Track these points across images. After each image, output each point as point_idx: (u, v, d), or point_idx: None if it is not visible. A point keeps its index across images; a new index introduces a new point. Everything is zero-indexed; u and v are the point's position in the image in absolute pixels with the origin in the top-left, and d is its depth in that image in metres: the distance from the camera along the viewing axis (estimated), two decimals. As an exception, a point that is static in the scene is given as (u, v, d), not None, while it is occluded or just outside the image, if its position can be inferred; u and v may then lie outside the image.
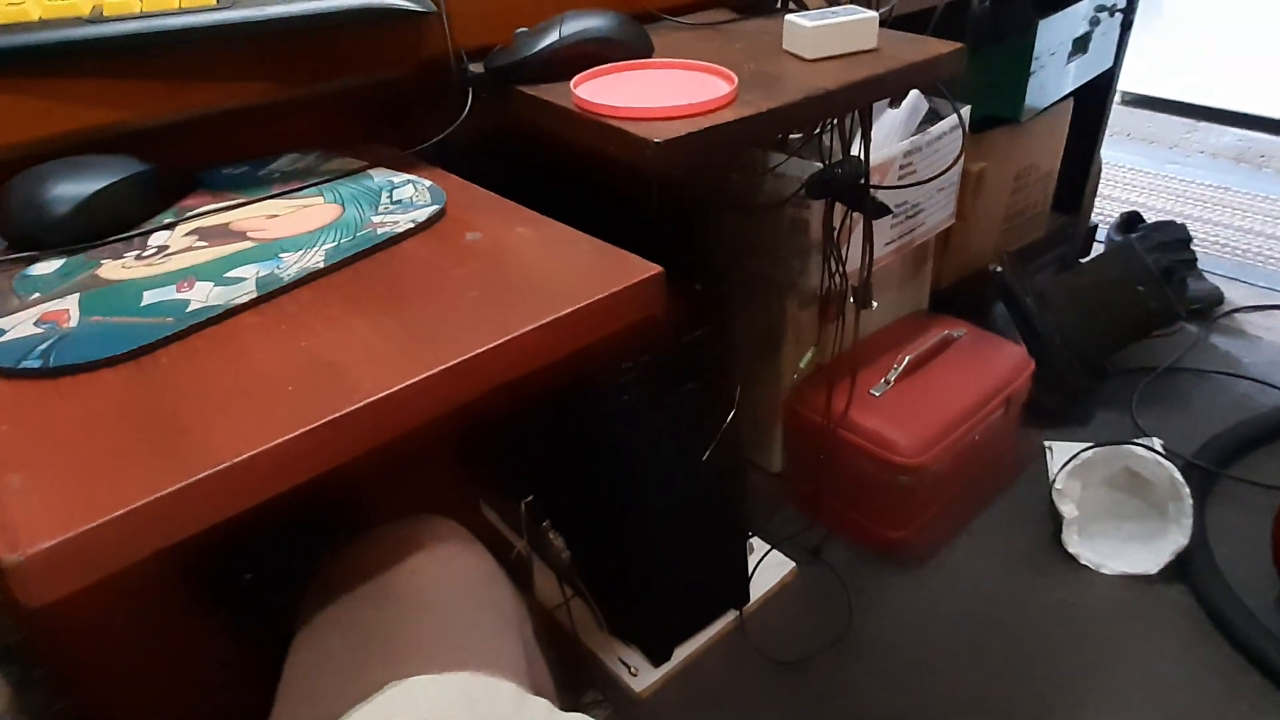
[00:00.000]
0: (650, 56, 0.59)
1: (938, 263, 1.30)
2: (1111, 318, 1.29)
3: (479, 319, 0.37)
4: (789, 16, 0.59)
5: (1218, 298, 1.53)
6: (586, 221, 0.44)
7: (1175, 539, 1.02)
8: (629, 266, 0.40)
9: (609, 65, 0.56)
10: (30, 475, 0.29)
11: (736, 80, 0.53)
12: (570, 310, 0.37)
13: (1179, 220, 1.48)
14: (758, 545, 1.09)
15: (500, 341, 0.35)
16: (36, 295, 0.39)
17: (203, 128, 0.51)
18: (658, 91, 0.53)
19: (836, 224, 0.91)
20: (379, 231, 0.44)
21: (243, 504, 0.30)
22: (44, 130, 0.45)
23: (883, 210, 0.86)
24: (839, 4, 0.65)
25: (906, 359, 1.12)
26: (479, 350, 0.34)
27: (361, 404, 0.32)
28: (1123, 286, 1.27)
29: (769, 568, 1.07)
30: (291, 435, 0.30)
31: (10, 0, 0.44)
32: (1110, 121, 1.52)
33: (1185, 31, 2.12)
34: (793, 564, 1.08)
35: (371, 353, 0.35)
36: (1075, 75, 1.31)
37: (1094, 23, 1.30)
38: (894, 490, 1.06)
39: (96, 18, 0.45)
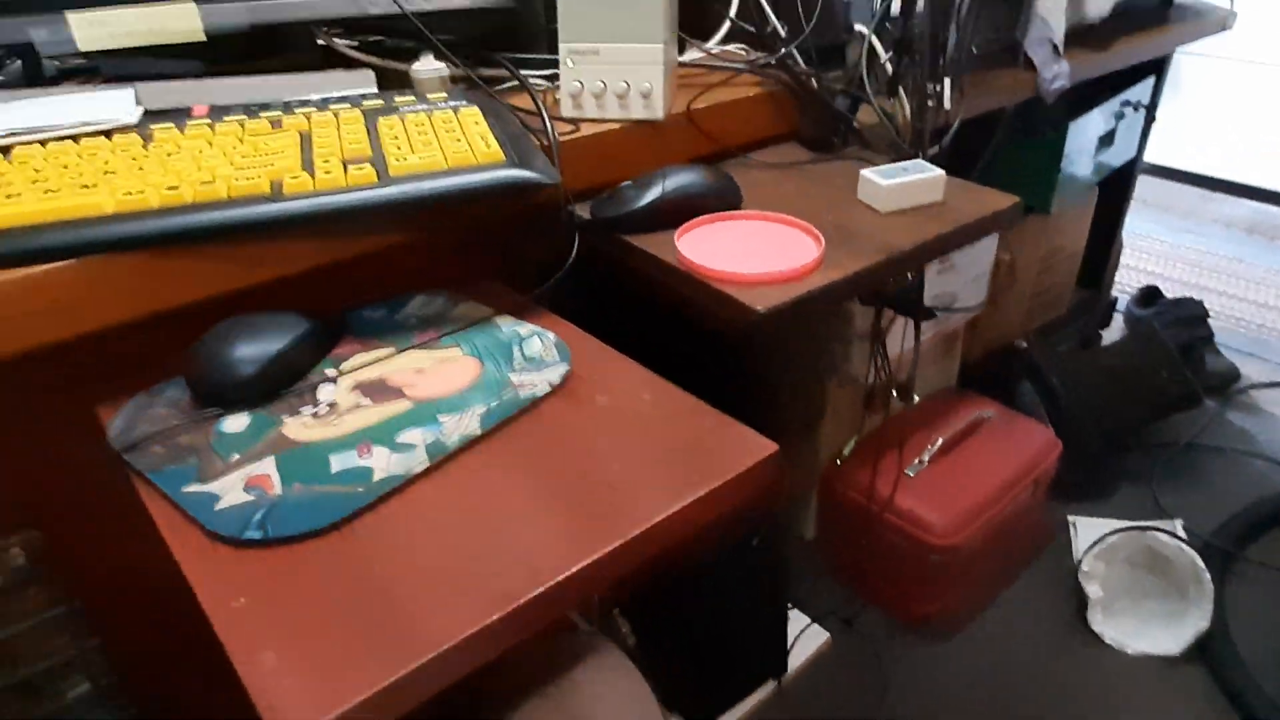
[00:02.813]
0: (740, 205, 0.65)
1: (966, 341, 1.36)
2: (1134, 399, 1.34)
3: (628, 497, 0.42)
4: (864, 172, 0.65)
5: (1234, 374, 1.59)
6: (677, 352, 0.49)
7: (1196, 622, 1.07)
8: (749, 444, 0.46)
9: (705, 217, 0.62)
10: (278, 654, 0.35)
11: (823, 242, 0.59)
12: (705, 492, 0.42)
13: (1196, 294, 1.54)
14: (796, 616, 1.14)
15: (652, 524, 0.41)
16: (236, 457, 0.45)
17: (343, 270, 0.57)
18: (753, 248, 0.59)
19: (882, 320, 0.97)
20: (521, 395, 0.49)
21: (446, 682, 0.35)
22: (223, 288, 0.52)
23: (930, 315, 0.91)
24: (905, 158, 0.71)
25: (940, 440, 1.17)
26: (634, 534, 0.40)
27: (545, 587, 0.37)
28: (1146, 371, 1.33)
29: (805, 637, 1.12)
30: (491, 620, 0.36)
31: (204, 179, 0.51)
32: (1128, 191, 1.58)
33: (1200, 105, 2.19)
34: (827, 634, 1.13)
35: (542, 531, 0.41)
36: (1101, 167, 1.38)
37: (1119, 117, 1.37)
38: (926, 567, 1.11)
39: (276, 195, 0.51)
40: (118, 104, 0.60)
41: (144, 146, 0.55)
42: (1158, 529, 1.13)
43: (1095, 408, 1.32)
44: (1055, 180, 1.26)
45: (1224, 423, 1.50)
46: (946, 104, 0.74)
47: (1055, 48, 1.05)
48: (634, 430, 0.47)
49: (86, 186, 0.49)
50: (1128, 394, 1.34)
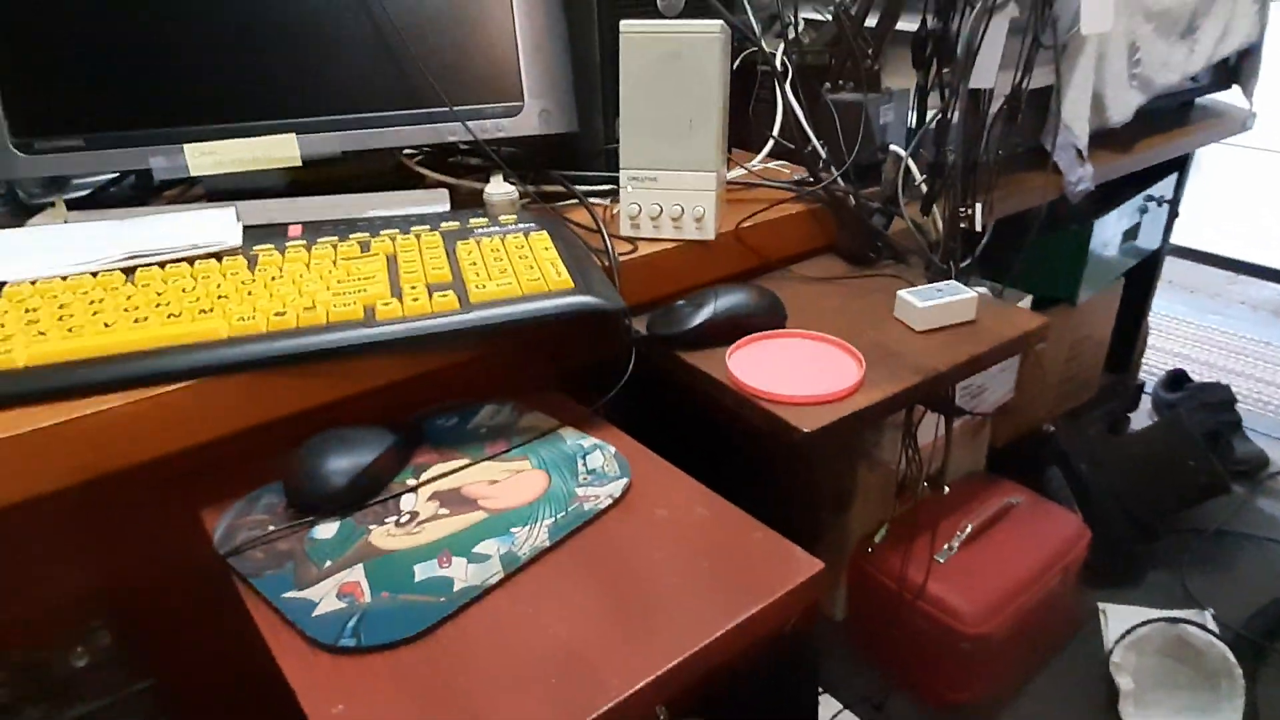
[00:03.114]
0: (785, 323, 0.70)
1: (995, 425, 1.39)
2: (1163, 487, 1.36)
3: (685, 613, 0.46)
4: (900, 293, 0.70)
5: (1264, 460, 1.60)
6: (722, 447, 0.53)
7: (1228, 716, 1.08)
8: (797, 562, 0.50)
9: (754, 335, 0.67)
10: (381, 759, 0.39)
11: (864, 363, 0.63)
12: (756, 610, 0.46)
13: (1223, 377, 1.56)
14: (826, 701, 1.16)
15: (708, 641, 0.45)
16: (329, 564, 0.50)
17: (420, 378, 0.62)
18: (799, 367, 0.64)
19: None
20: (585, 507, 0.54)
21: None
22: (317, 401, 0.57)
23: (960, 413, 0.95)
24: (939, 273, 0.76)
25: (969, 526, 1.20)
26: (694, 649, 0.44)
27: (613, 703, 0.41)
28: (1173, 459, 1.35)
29: (838, 723, 1.14)
30: (569, 732, 0.40)
31: (306, 305, 0.56)
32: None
33: (1225, 189, 2.23)
34: (857, 719, 1.14)
35: (608, 644, 0.45)
36: (1126, 259, 1.42)
37: (1143, 211, 1.41)
38: (957, 654, 1.12)
39: (370, 320, 0.56)
40: (222, 225, 0.67)
41: (250, 270, 0.61)
42: (1188, 621, 1.14)
43: (1123, 495, 1.34)
44: (1081, 273, 1.30)
45: (1254, 510, 1.51)
46: (978, 225, 0.79)
47: (1079, 152, 1.10)
48: (689, 544, 0.52)
49: (204, 311, 0.55)
50: (1155, 481, 1.36)
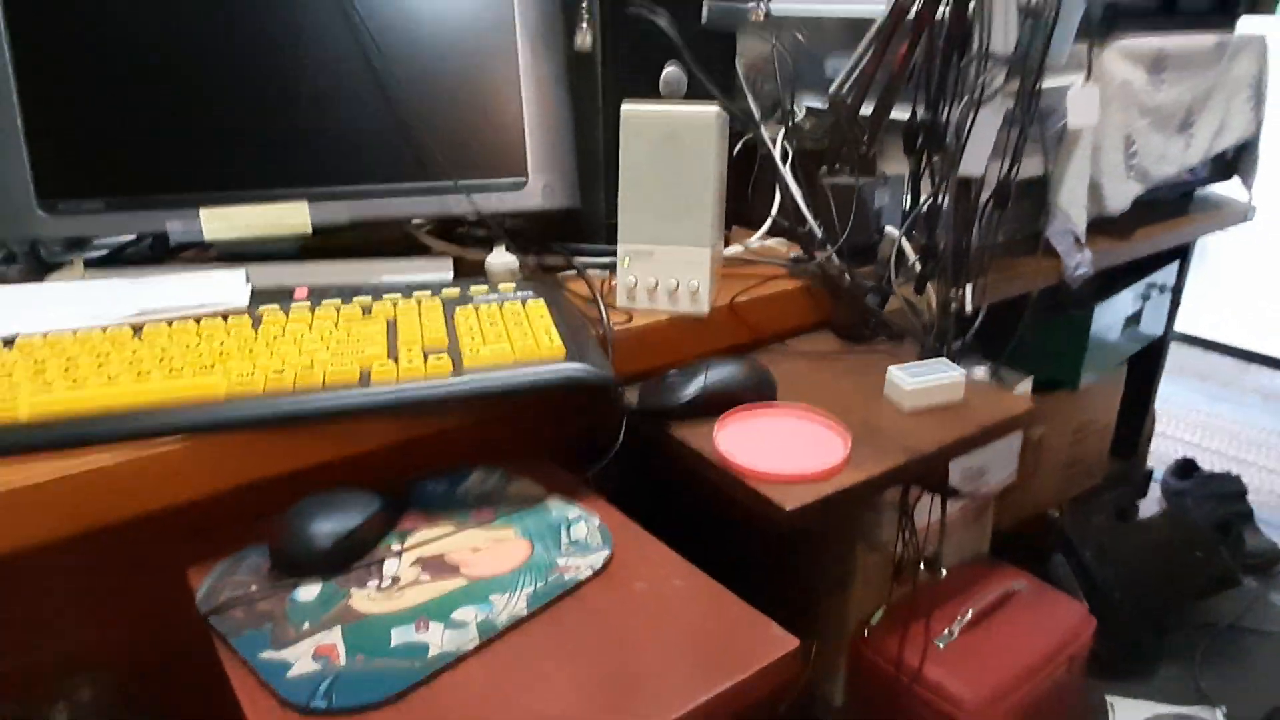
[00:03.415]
0: (775, 397, 0.70)
1: (998, 508, 1.38)
2: (1170, 578, 1.33)
3: (659, 687, 0.46)
4: (890, 371, 0.71)
5: (1276, 554, 1.57)
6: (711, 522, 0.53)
7: (1240, 823, 1.03)
8: (772, 638, 0.50)
9: (743, 409, 0.68)
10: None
11: (850, 441, 0.64)
12: (729, 686, 0.46)
13: (1234, 467, 1.54)
14: (822, 789, 1.12)
15: (683, 714, 0.44)
16: (307, 625, 0.50)
17: (410, 442, 0.63)
18: (785, 443, 0.65)
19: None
20: (565, 578, 0.54)
21: None
22: (309, 462, 0.58)
23: (955, 494, 0.95)
24: (931, 351, 0.77)
25: (970, 611, 1.17)
26: (666, 724, 0.44)
27: (581, 776, 0.41)
28: (1181, 551, 1.33)
29: (833, 815, 1.10)
30: (532, 805, 0.39)
31: (304, 365, 0.58)
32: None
33: (1232, 278, 2.25)
34: (855, 809, 1.10)
35: (580, 717, 0.44)
36: (1128, 345, 1.43)
37: (1145, 298, 1.43)
38: (957, 745, 1.09)
39: (365, 382, 0.58)
40: (231, 286, 0.69)
41: (254, 329, 0.63)
42: (1199, 719, 1.11)
43: (1130, 585, 1.31)
44: (1082, 358, 1.31)
45: (1268, 605, 1.47)
46: (968, 307, 0.80)
47: (1077, 239, 1.12)
48: (666, 618, 0.52)
49: (205, 368, 0.57)
50: (1163, 572, 1.33)
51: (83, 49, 0.69)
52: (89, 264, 0.76)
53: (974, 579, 1.25)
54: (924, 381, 0.69)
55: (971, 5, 0.74)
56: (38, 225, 0.70)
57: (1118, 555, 1.34)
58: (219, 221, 0.72)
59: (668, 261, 0.74)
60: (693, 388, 0.68)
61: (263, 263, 0.76)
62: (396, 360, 0.60)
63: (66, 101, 0.69)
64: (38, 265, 0.78)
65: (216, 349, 0.60)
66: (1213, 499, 1.59)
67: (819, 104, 0.97)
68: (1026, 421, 0.70)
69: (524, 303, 0.69)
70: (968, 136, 0.76)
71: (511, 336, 0.63)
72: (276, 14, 0.72)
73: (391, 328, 0.65)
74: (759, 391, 0.70)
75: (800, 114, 0.98)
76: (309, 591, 0.53)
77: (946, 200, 0.78)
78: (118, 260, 0.79)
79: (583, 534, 0.58)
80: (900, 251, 0.85)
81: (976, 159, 0.78)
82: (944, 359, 0.73)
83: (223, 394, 0.56)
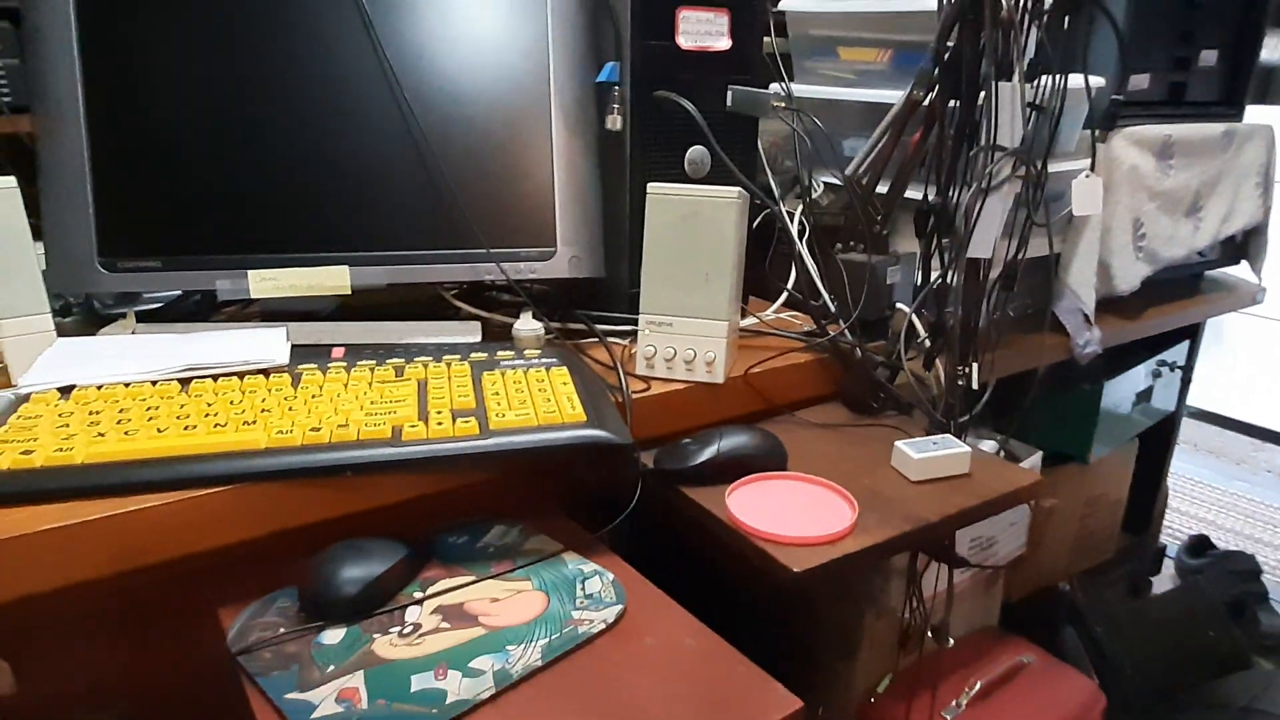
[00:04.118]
0: (786, 465, 0.73)
1: (1008, 579, 1.38)
2: (1182, 656, 1.33)
3: (667, 743, 0.48)
4: (897, 444, 0.74)
5: (1291, 636, 1.55)
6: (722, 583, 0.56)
7: None
8: (777, 699, 0.52)
9: (754, 476, 0.71)
10: None
11: (857, 508, 0.66)
12: (736, 744, 0.48)
13: (1249, 545, 1.54)
14: None
15: (686, 772, 0.46)
16: (332, 668, 0.53)
17: (435, 497, 0.67)
18: (794, 509, 0.67)
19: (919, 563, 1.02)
20: (579, 630, 0.57)
21: None
22: (339, 512, 0.61)
23: (962, 563, 0.96)
24: (939, 425, 0.80)
25: (978, 684, 1.17)
26: (671, 780, 0.46)
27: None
28: (1194, 629, 1.32)
29: None
30: None
31: (340, 423, 0.62)
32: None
33: (1246, 357, 2.26)
34: None
35: (589, 769, 0.46)
36: (1139, 421, 1.44)
37: (1156, 375, 1.45)
38: (964, 821, 1.08)
39: (396, 440, 0.61)
40: (273, 344, 0.73)
41: (293, 387, 0.67)
42: (1209, 804, 1.09)
43: (1142, 662, 1.30)
44: (1093, 432, 1.32)
45: (1283, 689, 1.45)
46: (974, 384, 0.83)
47: (1086, 317, 1.15)
48: (675, 674, 0.54)
49: (248, 423, 0.61)
50: (1176, 650, 1.33)
51: (149, 124, 0.75)
52: (140, 317, 0.81)
53: (983, 650, 1.25)
54: (930, 454, 0.72)
55: (980, 99, 0.79)
56: (98, 281, 0.75)
57: (1130, 631, 1.33)
58: (265, 281, 0.76)
59: (686, 332, 0.78)
60: (706, 453, 0.70)
61: (302, 321, 0.81)
62: (426, 421, 0.63)
63: (132, 170, 0.75)
64: (92, 317, 0.83)
65: (258, 405, 0.64)
66: (1227, 577, 1.58)
67: (837, 180, 1.01)
68: (1031, 494, 0.72)
69: (548, 369, 0.73)
70: (976, 221, 0.80)
71: (535, 401, 0.67)
72: (326, 93, 0.77)
73: (422, 389, 0.68)
74: (770, 459, 0.73)
75: (818, 190, 1.03)
76: (335, 635, 0.56)
77: (956, 279, 0.81)
78: (167, 315, 0.84)
79: (597, 588, 0.61)
80: (911, 327, 0.88)
81: (984, 242, 0.81)
82: (950, 435, 0.76)
83: (263, 446, 0.59)
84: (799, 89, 1.13)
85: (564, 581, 0.62)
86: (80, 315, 0.83)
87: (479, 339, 0.83)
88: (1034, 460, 1.25)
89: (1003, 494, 0.71)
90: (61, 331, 0.75)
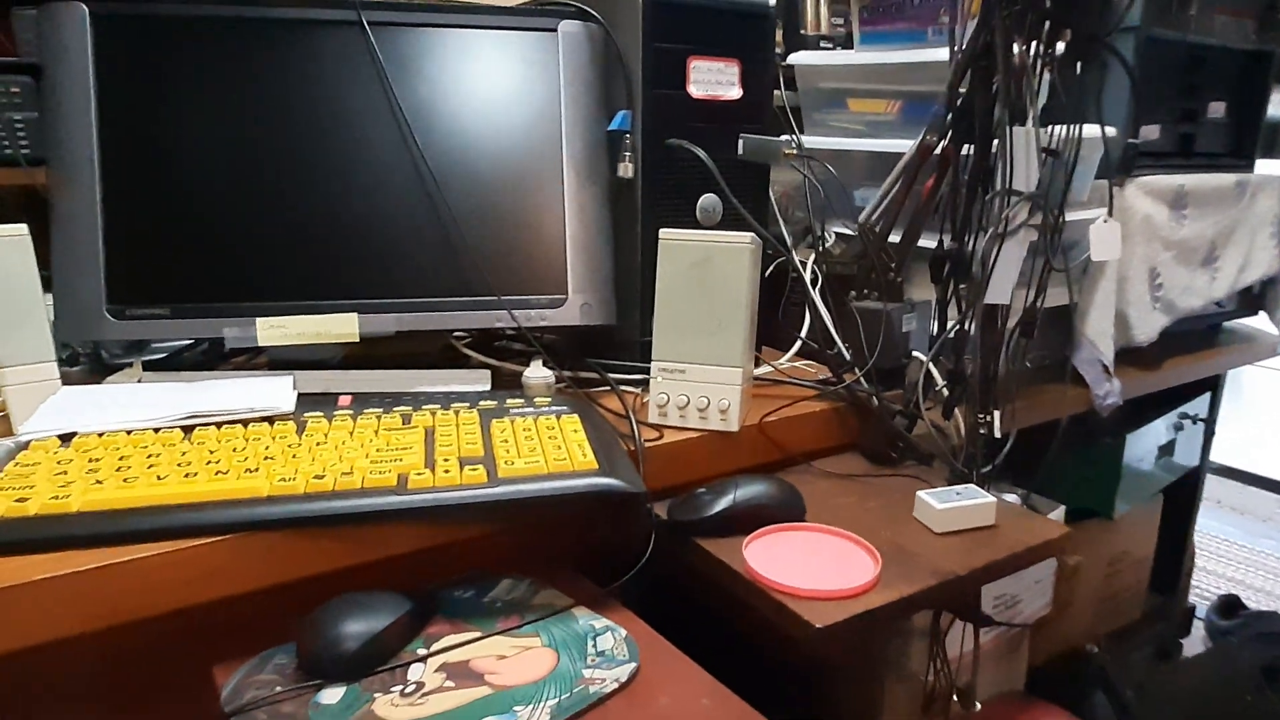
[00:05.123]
0: (804, 516, 0.71)
1: (1033, 641, 1.33)
2: (1218, 724, 1.27)
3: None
4: (920, 494, 0.71)
5: (1331, 702, 1.48)
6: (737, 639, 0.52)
7: None
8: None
9: (772, 527, 0.68)
10: None
11: (880, 560, 0.64)
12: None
13: (1278, 605, 1.48)
14: None
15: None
16: (330, 731, 0.50)
17: (441, 547, 0.64)
18: (815, 562, 0.64)
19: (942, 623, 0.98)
20: (590, 690, 0.54)
21: None
22: (342, 563, 0.59)
23: (987, 621, 0.92)
24: (960, 476, 0.78)
25: (1007, 753, 1.12)
26: None
27: None
28: (1228, 694, 1.27)
29: None
30: None
31: (344, 471, 0.60)
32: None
33: (1266, 409, 2.22)
34: None
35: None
36: (1163, 475, 1.41)
37: (1178, 428, 1.42)
38: None
39: (401, 488, 0.59)
40: (279, 392, 0.72)
41: (298, 434, 0.65)
42: None
43: (1176, 729, 1.25)
44: (1116, 487, 1.29)
45: (1325, 759, 1.38)
46: (996, 433, 0.81)
47: (1106, 368, 1.13)
48: (693, 740, 0.51)
49: (250, 470, 0.59)
50: (1210, 717, 1.27)
51: (161, 174, 0.75)
52: (146, 366, 0.80)
53: (1010, 715, 1.20)
54: (954, 504, 0.69)
55: (994, 145, 0.79)
56: (106, 329, 0.74)
57: (1161, 696, 1.28)
58: (273, 329, 0.75)
59: (700, 380, 0.76)
60: (722, 504, 0.68)
61: (309, 370, 0.79)
62: (433, 468, 0.61)
63: (142, 219, 0.75)
64: (99, 366, 0.82)
65: (261, 452, 0.62)
66: (1259, 639, 1.52)
67: (847, 230, 1.01)
68: (1060, 547, 0.70)
69: (559, 417, 0.71)
70: (993, 267, 0.79)
71: (545, 449, 0.65)
72: (336, 139, 0.78)
73: (429, 437, 0.67)
74: (788, 510, 0.70)
75: (830, 239, 1.02)
76: (333, 694, 0.53)
77: (973, 327, 0.80)
78: (174, 364, 0.83)
79: (609, 645, 0.58)
80: (928, 376, 0.86)
81: (1002, 287, 0.80)
82: (973, 485, 0.73)
83: (265, 494, 0.57)
84: (809, 141, 1.14)
85: (574, 638, 0.59)
86: (87, 364, 0.82)
87: (489, 387, 0.81)
88: (1056, 515, 1.21)
89: (1030, 546, 0.68)
90: (68, 381, 0.74)
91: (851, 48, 1.19)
